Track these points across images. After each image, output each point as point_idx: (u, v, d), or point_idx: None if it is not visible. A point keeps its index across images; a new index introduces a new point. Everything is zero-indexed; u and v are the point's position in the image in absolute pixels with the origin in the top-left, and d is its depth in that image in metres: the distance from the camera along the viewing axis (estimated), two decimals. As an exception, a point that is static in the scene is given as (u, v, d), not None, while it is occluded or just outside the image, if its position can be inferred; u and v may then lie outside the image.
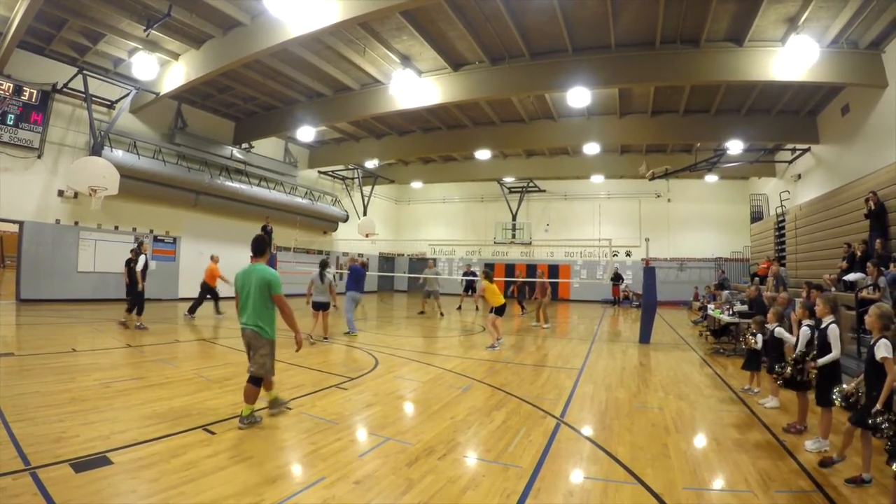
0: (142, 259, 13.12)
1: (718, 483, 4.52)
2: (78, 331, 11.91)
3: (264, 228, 21.30)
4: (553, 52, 14.91)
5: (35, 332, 11.72)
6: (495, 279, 12.71)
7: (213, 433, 5.34)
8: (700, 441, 5.67)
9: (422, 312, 20.47)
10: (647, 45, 14.14)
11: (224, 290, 15.37)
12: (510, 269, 32.83)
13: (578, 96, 16.02)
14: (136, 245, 13.56)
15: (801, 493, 4.30)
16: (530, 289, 21.02)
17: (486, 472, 4.58)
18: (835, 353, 5.37)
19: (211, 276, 16.29)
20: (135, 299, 12.88)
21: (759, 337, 7.98)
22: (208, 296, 16.32)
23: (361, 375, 8.63)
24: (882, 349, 4.41)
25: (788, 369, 6.06)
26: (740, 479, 4.58)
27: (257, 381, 5.81)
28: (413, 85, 16.49)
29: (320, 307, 12.14)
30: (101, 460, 4.42)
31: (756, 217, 25.59)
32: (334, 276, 12.16)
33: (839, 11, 12.03)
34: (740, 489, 4.35)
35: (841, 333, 5.49)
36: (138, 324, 12.70)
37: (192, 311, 15.71)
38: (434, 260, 21.49)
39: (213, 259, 16.59)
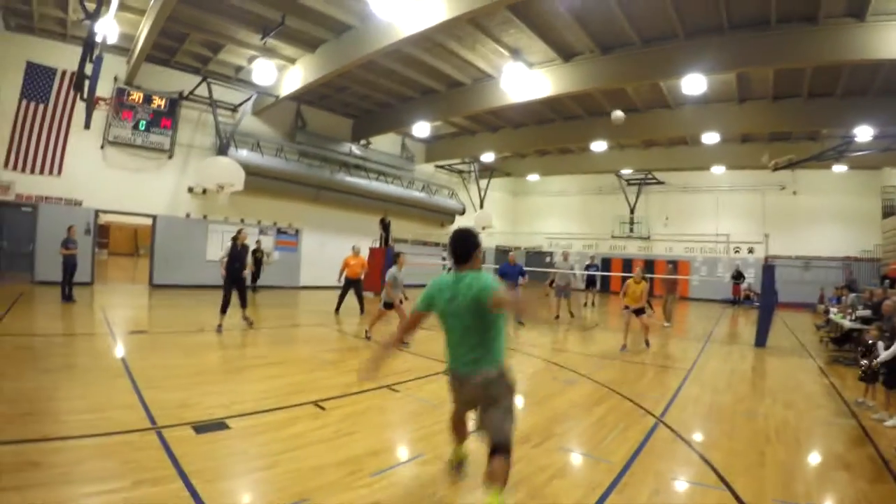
0: (224, 248, 11.20)
1: (810, 498, 4.35)
2: (205, 313, 12.68)
3: (382, 221, 22.17)
4: (664, 38, 14.36)
5: (166, 313, 13.13)
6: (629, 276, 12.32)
7: (323, 409, 5.87)
8: (800, 453, 5.49)
9: (571, 314, 17.71)
10: (761, 25, 13.22)
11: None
12: (627, 263, 31.92)
13: (693, 83, 15.35)
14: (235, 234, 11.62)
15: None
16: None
17: (577, 464, 4.79)
18: None
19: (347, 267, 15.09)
20: (229, 293, 10.88)
21: (880, 345, 7.49)
22: (352, 290, 15.24)
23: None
24: None
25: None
26: (834, 496, 4.43)
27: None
28: (524, 78, 16.50)
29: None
30: (219, 425, 5.06)
31: (889, 212, 23.21)
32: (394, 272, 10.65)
33: None
34: None
35: None
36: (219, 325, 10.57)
37: (337, 309, 15.01)
38: (566, 253, 19.61)
39: (355, 250, 15.58)
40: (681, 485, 4.45)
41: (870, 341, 7.81)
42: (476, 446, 4.25)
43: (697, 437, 5.76)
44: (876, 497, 4.42)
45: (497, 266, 17.08)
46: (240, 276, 11.08)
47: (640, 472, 4.60)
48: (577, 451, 5.12)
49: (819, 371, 10.38)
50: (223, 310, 10.59)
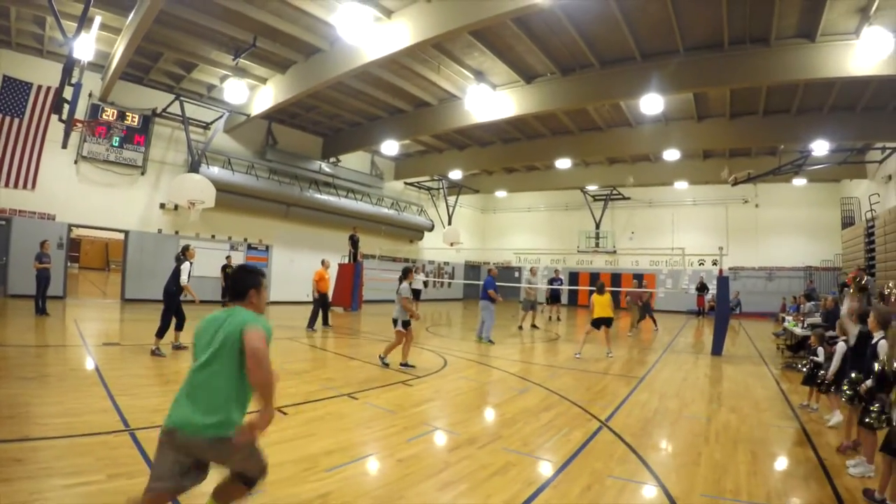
0: (185, 268, 9.98)
1: (738, 494, 4.54)
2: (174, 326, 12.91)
3: (352, 238, 22.44)
4: (622, 59, 14.94)
5: (137, 326, 13.19)
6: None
7: (285, 413, 6.19)
8: (736, 453, 5.67)
9: (534, 326, 18.41)
10: (715, 48, 13.84)
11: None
12: (595, 277, 32.53)
13: (651, 103, 15.90)
14: (180, 251, 10.85)
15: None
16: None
17: (518, 463, 5.03)
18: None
19: (320, 280, 15.22)
20: (167, 316, 9.96)
21: (821, 350, 7.88)
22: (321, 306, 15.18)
23: (428, 374, 9.25)
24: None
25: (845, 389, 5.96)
26: (763, 492, 4.60)
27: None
28: (488, 98, 16.99)
29: (395, 324, 9.98)
30: None
31: (847, 223, 24.02)
32: (409, 287, 10.14)
33: None
34: (758, 501, 4.41)
35: (892, 349, 5.14)
36: (156, 348, 9.52)
37: (310, 324, 14.78)
38: (534, 269, 20.07)
39: (325, 264, 15.61)
40: (614, 481, 4.70)
41: (810, 347, 8.25)
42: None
43: (638, 439, 6.02)
44: (807, 493, 4.68)
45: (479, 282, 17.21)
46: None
47: (576, 471, 4.87)
48: (519, 451, 5.37)
49: (771, 377, 10.76)
50: (179, 326, 10.10)
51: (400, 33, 12.58)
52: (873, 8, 11.36)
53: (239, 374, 2.94)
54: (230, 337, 2.90)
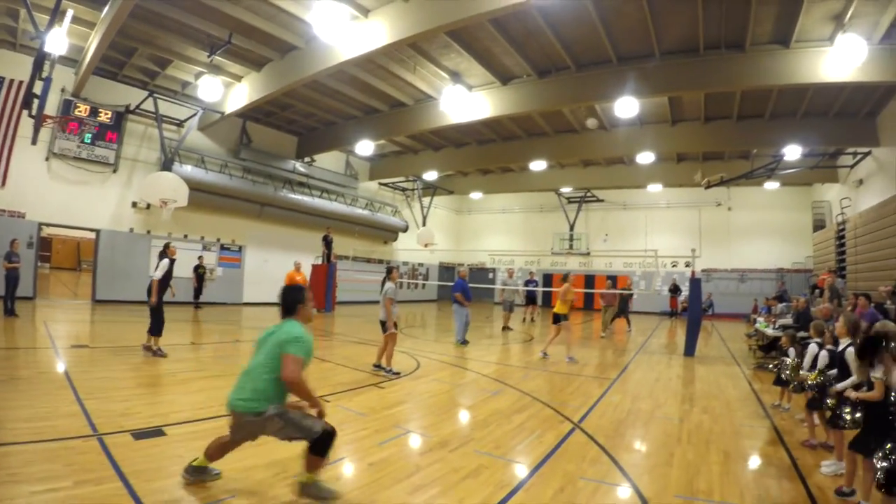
0: (162, 265, 9.91)
1: (711, 494, 4.56)
2: (147, 328, 12.70)
3: (325, 238, 22.26)
4: (598, 62, 15.02)
5: (108, 328, 13.00)
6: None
7: (257, 416, 6.02)
8: (709, 453, 5.70)
9: (506, 328, 18.27)
10: (691, 52, 14.00)
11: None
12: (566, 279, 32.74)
13: (626, 106, 16.01)
14: (162, 248, 10.57)
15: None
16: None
17: (490, 465, 4.97)
18: (854, 377, 5.02)
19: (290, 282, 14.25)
20: (152, 318, 9.80)
21: (792, 351, 7.97)
22: None
23: (401, 378, 9.12)
24: (878, 370, 4.33)
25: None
26: (736, 492, 4.63)
27: None
28: (464, 99, 16.93)
29: (383, 327, 9.66)
30: (156, 432, 5.30)
31: (819, 226, 24.53)
32: (395, 288, 9.75)
33: (886, 5, 11.38)
34: (731, 501, 4.43)
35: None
36: (156, 348, 9.70)
37: None
38: (510, 271, 20.12)
39: (296, 266, 15.52)
40: (586, 483, 4.67)
41: (781, 348, 8.34)
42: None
43: (611, 440, 6.01)
44: (779, 492, 4.70)
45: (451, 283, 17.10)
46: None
47: (549, 473, 4.84)
48: (492, 454, 5.31)
49: (743, 377, 10.88)
50: (158, 331, 9.79)
51: (377, 32, 12.50)
52: (848, 15, 11.58)
53: (275, 375, 3.91)
54: (273, 350, 3.96)
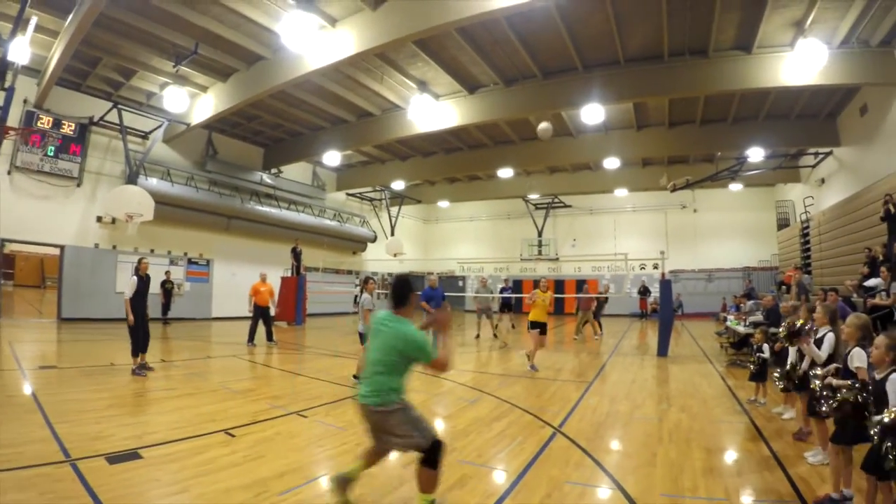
0: (130, 283, 9.60)
1: (696, 491, 4.59)
2: (115, 347, 12.39)
3: (294, 250, 22.06)
4: (564, 70, 15.24)
5: (75, 348, 12.62)
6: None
7: (232, 436, 5.88)
8: (690, 451, 5.74)
9: (476, 336, 18.00)
10: (655, 59, 14.30)
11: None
12: (537, 285, 33.00)
13: (592, 112, 16.28)
14: (136, 263, 10.12)
15: (781, 504, 4.34)
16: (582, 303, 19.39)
17: (474, 475, 4.91)
18: (823, 358, 5.28)
19: (256, 294, 14.60)
20: (134, 334, 9.53)
21: (766, 347, 8.12)
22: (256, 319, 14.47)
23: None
24: (855, 359, 4.49)
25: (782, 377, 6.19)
26: (721, 488, 4.67)
27: None
28: (431, 109, 17.00)
29: (361, 339, 9.66)
30: (132, 455, 5.06)
31: (783, 224, 25.33)
32: (370, 299, 9.59)
33: (846, 12, 11.90)
34: (717, 497, 4.47)
35: (839, 345, 5.33)
36: (135, 367, 9.43)
37: (250, 339, 14.16)
38: (483, 279, 19.91)
39: (262, 277, 14.98)
40: (572, 487, 4.65)
41: (755, 345, 8.49)
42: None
43: (592, 443, 6.01)
44: (762, 485, 4.77)
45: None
46: (146, 311, 9.98)
47: (534, 479, 4.80)
48: (475, 463, 5.27)
49: (717, 375, 11.02)
50: (145, 348, 9.68)
51: (344, 42, 12.47)
52: (808, 21, 11.99)
53: (397, 367, 3.99)
54: (391, 352, 3.96)
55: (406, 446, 3.91)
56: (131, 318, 9.49)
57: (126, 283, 9.65)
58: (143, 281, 9.85)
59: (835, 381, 4.58)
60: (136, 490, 4.30)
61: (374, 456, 4.22)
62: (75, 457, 4.90)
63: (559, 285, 31.33)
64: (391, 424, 3.89)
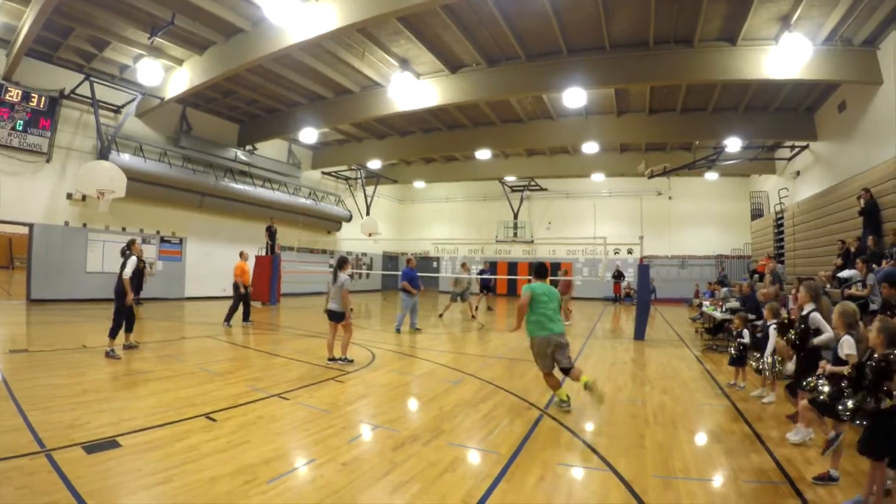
0: (131, 262, 9.53)
1: (688, 472, 4.65)
2: (87, 328, 12.23)
3: (269, 229, 21.74)
4: (548, 53, 15.11)
5: (46, 330, 12.17)
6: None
7: (214, 420, 5.72)
8: (677, 433, 5.82)
9: (439, 316, 18.60)
10: (641, 46, 14.30)
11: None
12: (513, 266, 33.50)
13: (574, 97, 16.26)
14: (125, 245, 9.87)
15: (769, 484, 4.40)
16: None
17: (465, 458, 4.89)
18: (827, 333, 5.40)
19: (243, 274, 14.37)
20: (119, 316, 9.51)
21: (746, 332, 8.23)
22: (241, 300, 14.29)
23: (358, 370, 8.92)
24: (846, 346, 4.58)
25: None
26: (710, 468, 4.77)
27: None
28: (412, 87, 16.75)
29: (333, 317, 9.62)
30: (110, 443, 4.83)
31: (756, 214, 25.67)
32: (349, 279, 9.65)
33: (832, 10, 12.09)
34: (708, 478, 4.57)
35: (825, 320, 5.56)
36: (109, 349, 9.21)
37: (227, 319, 13.96)
38: (465, 264, 20.11)
39: (243, 256, 14.66)
40: (565, 469, 4.67)
41: (735, 330, 8.61)
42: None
43: (580, 425, 6.05)
44: (749, 465, 4.84)
45: (398, 272, 16.89)
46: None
47: (526, 461, 4.79)
48: (465, 445, 5.25)
49: (694, 359, 11.18)
50: (130, 328, 9.77)
51: (327, 16, 12.12)
52: (794, 16, 12.15)
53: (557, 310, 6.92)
54: (555, 296, 6.98)
55: (567, 358, 6.71)
56: (131, 296, 9.48)
57: (126, 264, 9.44)
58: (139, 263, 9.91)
59: (829, 367, 4.64)
60: (117, 481, 4.10)
61: (551, 375, 6.87)
62: (50, 447, 4.66)
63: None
64: (564, 344, 6.73)
